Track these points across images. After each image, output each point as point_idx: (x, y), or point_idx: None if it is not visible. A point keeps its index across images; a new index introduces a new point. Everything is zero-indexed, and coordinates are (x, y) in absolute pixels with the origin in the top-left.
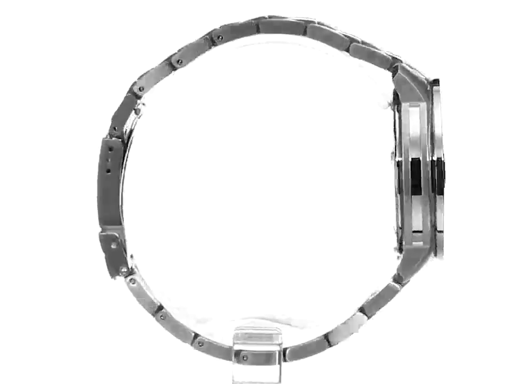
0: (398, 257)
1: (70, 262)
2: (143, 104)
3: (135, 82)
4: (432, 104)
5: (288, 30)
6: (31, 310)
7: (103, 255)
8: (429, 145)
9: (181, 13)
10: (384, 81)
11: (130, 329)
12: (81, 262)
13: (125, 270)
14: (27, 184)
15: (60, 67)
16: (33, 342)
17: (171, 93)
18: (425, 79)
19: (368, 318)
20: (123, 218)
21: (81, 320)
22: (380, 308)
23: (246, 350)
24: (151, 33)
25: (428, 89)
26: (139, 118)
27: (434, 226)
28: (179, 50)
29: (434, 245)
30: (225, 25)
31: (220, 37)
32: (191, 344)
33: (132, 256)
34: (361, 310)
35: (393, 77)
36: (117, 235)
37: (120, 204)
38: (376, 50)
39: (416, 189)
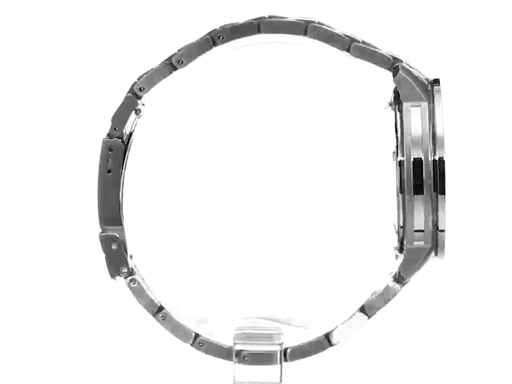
0: (397, 256)
1: (70, 262)
2: (143, 104)
3: (135, 82)
4: (433, 104)
5: (288, 30)
6: (31, 310)
7: (103, 255)
8: (431, 145)
9: (181, 13)
10: (384, 81)
11: (131, 329)
12: (81, 262)
13: (126, 270)
14: (27, 184)
15: (60, 67)
16: (33, 342)
17: (171, 93)
18: (426, 79)
19: (369, 317)
20: (123, 218)
21: (81, 321)
22: (380, 308)
23: (247, 350)
24: (151, 33)
25: (428, 89)
26: (139, 118)
27: (436, 225)
28: (179, 50)
29: (435, 244)
30: (225, 25)
31: (221, 37)
32: (192, 344)
33: (131, 257)
34: (362, 309)
35: (394, 76)
36: (117, 235)
37: (120, 204)
38: (376, 50)
39: (418, 189)
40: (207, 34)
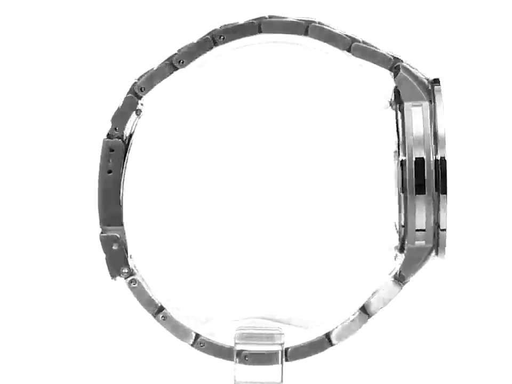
0: (396, 256)
1: (70, 262)
2: (143, 104)
3: (135, 82)
4: (434, 103)
5: (289, 30)
6: (31, 311)
7: (103, 255)
8: (432, 144)
9: (181, 13)
10: (384, 81)
11: (132, 330)
12: (82, 263)
13: (126, 270)
14: (28, 185)
15: (61, 67)
16: (34, 343)
17: (172, 93)
18: (426, 78)
19: (369, 317)
20: (124, 219)
21: (82, 321)
22: (381, 307)
23: (248, 350)
24: (151, 33)
25: (429, 89)
26: (139, 118)
27: (437, 224)
28: (179, 51)
29: (436, 243)
30: (226, 25)
31: (222, 37)
32: (193, 344)
33: (131, 257)
34: (363, 309)
35: (395, 76)
36: (118, 236)
37: (121, 204)
38: (377, 50)
39: (420, 188)
40: (208, 34)
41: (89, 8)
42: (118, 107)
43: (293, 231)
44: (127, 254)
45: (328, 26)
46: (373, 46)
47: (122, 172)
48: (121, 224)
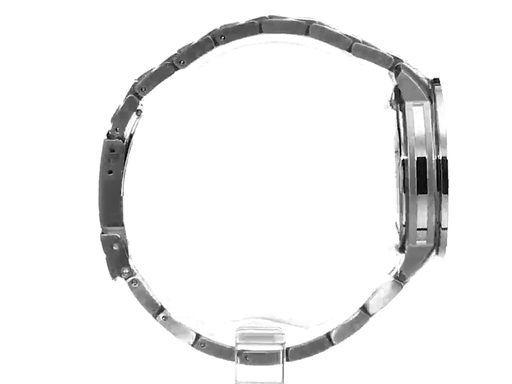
0: (396, 255)
1: (71, 263)
2: (144, 105)
3: (136, 82)
4: (435, 103)
5: (290, 30)
6: (32, 311)
7: (103, 256)
8: (434, 144)
9: (182, 13)
10: (385, 81)
11: (132, 330)
12: (82, 263)
13: (127, 271)
14: (28, 185)
15: (61, 68)
16: (34, 343)
17: (172, 93)
18: (426, 78)
19: (370, 316)
20: (124, 219)
21: (82, 321)
22: (381, 307)
23: (249, 350)
24: (152, 33)
25: (429, 89)
26: (140, 118)
27: (438, 223)
28: (180, 51)
29: (437, 243)
30: (227, 25)
31: (222, 37)
32: (193, 345)
33: (131, 257)
34: (363, 308)
35: (396, 76)
36: (119, 236)
37: (121, 205)
38: (377, 50)
39: (422, 188)
40: (208, 34)
41: (90, 8)
42: (119, 107)
43: (293, 230)
44: (128, 254)
45: (328, 26)
46: (373, 46)
47: (122, 172)
48: (122, 225)
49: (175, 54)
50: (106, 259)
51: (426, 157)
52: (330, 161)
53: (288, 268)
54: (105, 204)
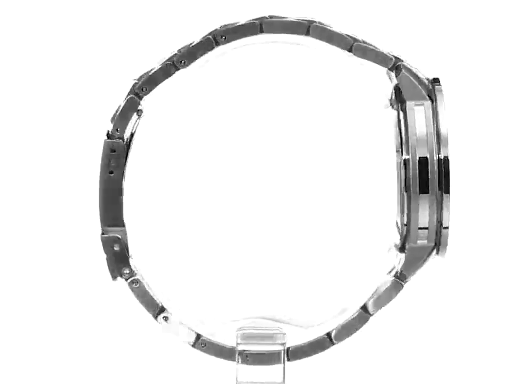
0: (396, 255)
1: (71, 263)
2: (145, 105)
3: (136, 82)
4: (436, 102)
5: (291, 30)
6: (32, 312)
7: (104, 256)
8: (435, 143)
9: (182, 13)
10: (384, 81)
11: (132, 330)
12: (82, 264)
13: (128, 271)
14: (29, 185)
15: (61, 68)
16: (34, 344)
17: (173, 93)
18: (426, 78)
19: (371, 316)
20: (125, 220)
21: (82, 322)
22: (381, 307)
23: (250, 350)
24: (152, 33)
25: (429, 88)
26: (141, 119)
27: (440, 223)
28: (180, 51)
29: (438, 242)
30: (227, 25)
31: (223, 37)
32: (194, 345)
33: (132, 258)
34: (364, 308)
35: (397, 76)
36: (119, 237)
37: (122, 205)
38: (378, 49)
39: (423, 187)
40: (209, 34)
41: (90, 8)
42: (119, 107)
43: (293, 230)
44: (128, 255)
45: (329, 26)
46: (373, 46)
47: (123, 173)
48: (123, 225)
49: (176, 54)
50: (107, 259)
51: (428, 156)
52: (331, 161)
53: (288, 267)
54: (105, 204)
